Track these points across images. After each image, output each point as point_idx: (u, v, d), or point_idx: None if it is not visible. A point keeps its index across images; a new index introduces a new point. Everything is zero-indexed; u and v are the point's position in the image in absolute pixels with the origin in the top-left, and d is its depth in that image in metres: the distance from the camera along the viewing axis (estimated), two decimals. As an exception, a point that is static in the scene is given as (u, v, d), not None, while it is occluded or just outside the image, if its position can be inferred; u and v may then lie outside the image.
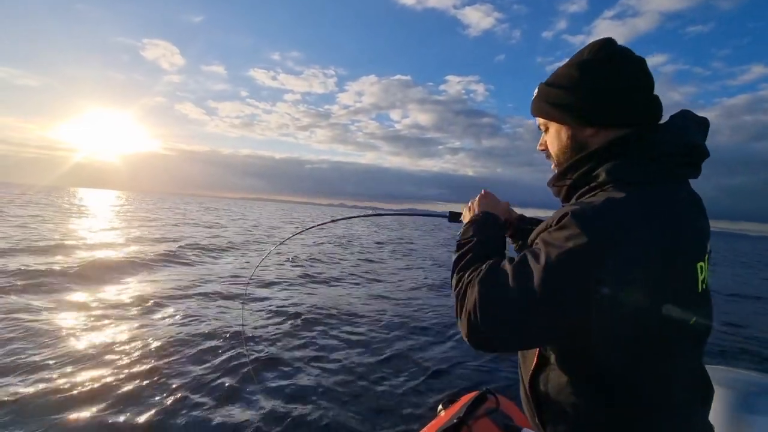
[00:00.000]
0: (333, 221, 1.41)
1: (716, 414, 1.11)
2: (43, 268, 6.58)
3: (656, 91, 0.73)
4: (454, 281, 0.77)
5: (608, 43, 0.73)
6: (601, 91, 0.70)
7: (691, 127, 0.69)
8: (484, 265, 0.71)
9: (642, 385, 0.64)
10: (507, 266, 0.67)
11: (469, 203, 1.04)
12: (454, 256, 0.82)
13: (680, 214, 0.63)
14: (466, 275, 0.73)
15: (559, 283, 0.59)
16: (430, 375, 3.76)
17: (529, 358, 0.77)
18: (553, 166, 0.83)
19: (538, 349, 0.74)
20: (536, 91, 0.82)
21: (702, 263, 0.64)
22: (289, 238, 1.34)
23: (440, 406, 1.53)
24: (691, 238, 0.64)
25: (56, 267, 6.76)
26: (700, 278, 0.64)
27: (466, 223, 0.92)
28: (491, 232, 0.86)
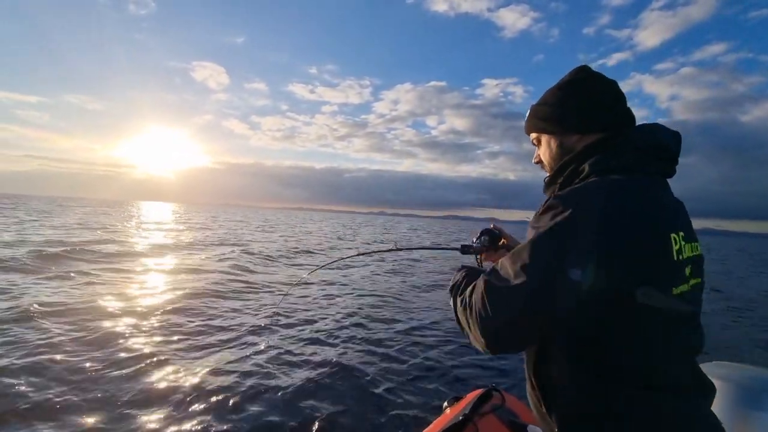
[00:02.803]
0: (360, 254, 1.80)
1: (723, 409, 1.10)
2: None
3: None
4: (455, 305, 0.84)
5: (585, 68, 0.88)
6: (582, 104, 0.84)
7: (659, 131, 0.80)
8: (483, 275, 0.78)
9: (632, 363, 0.68)
10: (504, 260, 0.74)
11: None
12: (450, 295, 0.90)
13: (648, 193, 0.73)
14: (467, 291, 0.80)
15: (546, 256, 0.67)
16: (435, 373, 3.77)
17: (532, 348, 0.80)
18: (546, 174, 0.92)
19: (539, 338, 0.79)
20: (528, 112, 0.94)
21: (675, 235, 0.71)
22: (325, 265, 1.60)
23: (446, 404, 1.53)
24: (659, 212, 0.71)
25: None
26: (675, 248, 0.70)
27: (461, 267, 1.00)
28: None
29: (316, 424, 2.73)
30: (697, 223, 0.84)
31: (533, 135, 0.95)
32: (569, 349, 0.72)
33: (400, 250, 1.41)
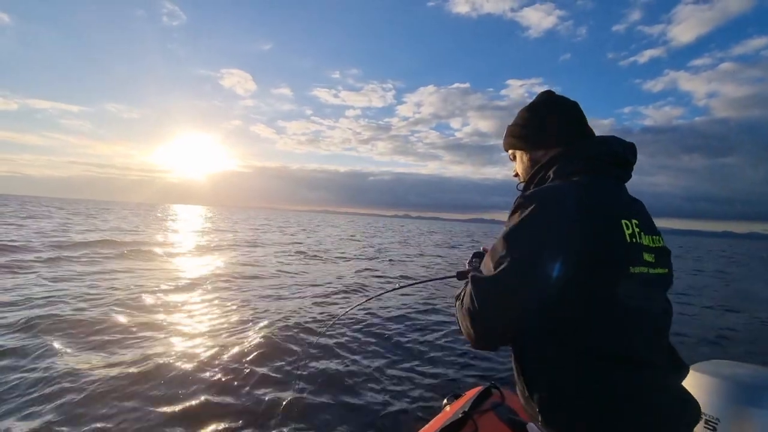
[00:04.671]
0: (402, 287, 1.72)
1: (721, 406, 1.11)
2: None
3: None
4: (456, 309, 0.91)
5: (549, 93, 1.04)
6: (546, 125, 0.99)
7: (611, 142, 0.91)
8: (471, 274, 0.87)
9: (607, 344, 0.74)
10: (486, 257, 0.83)
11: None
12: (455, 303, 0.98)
13: (602, 189, 0.83)
14: (462, 293, 0.90)
15: (519, 246, 0.76)
16: (435, 370, 3.77)
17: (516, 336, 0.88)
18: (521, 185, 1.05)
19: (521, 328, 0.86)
20: (505, 131, 1.08)
21: (627, 221, 0.79)
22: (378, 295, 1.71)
23: (445, 401, 1.54)
24: (611, 202, 0.82)
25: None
26: (627, 232, 0.78)
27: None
28: None
29: (314, 422, 2.74)
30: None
31: (510, 151, 1.09)
32: (548, 334, 0.78)
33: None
